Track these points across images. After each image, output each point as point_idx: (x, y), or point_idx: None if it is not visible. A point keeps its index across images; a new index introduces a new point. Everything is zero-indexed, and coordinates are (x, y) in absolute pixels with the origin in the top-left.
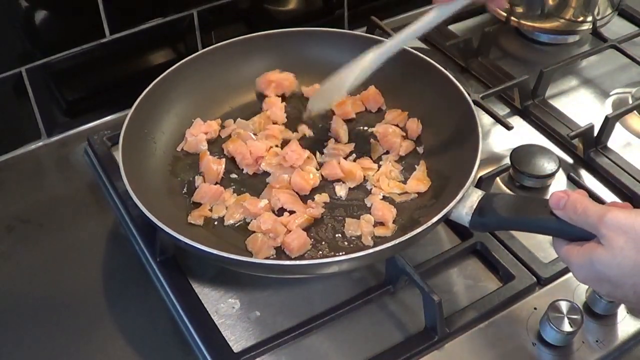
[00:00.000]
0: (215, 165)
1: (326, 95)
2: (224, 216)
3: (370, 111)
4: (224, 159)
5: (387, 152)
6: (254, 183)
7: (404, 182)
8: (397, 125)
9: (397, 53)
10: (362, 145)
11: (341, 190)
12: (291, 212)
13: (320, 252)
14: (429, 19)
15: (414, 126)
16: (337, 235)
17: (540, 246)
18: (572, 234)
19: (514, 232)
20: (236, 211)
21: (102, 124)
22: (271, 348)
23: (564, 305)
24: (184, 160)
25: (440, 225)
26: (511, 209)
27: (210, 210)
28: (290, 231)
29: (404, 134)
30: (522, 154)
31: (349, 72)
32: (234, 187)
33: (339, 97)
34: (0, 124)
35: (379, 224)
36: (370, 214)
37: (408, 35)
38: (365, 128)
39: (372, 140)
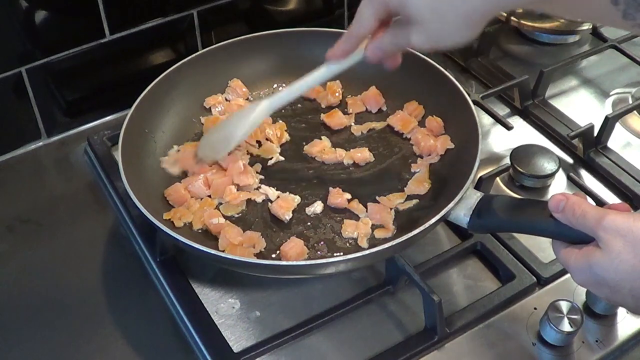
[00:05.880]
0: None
1: (215, 146)
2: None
3: (370, 112)
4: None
5: (421, 157)
6: None
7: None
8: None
9: None
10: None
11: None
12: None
13: (319, 253)
14: (318, 74)
15: (436, 124)
16: (335, 237)
17: (540, 246)
18: (571, 236)
19: (513, 233)
20: (200, 217)
21: (102, 124)
22: (271, 348)
23: (564, 305)
24: None
25: (440, 225)
26: (510, 211)
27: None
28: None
29: (428, 133)
30: (522, 154)
31: (239, 125)
32: None
33: (226, 151)
34: (0, 124)
35: (379, 226)
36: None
37: (295, 89)
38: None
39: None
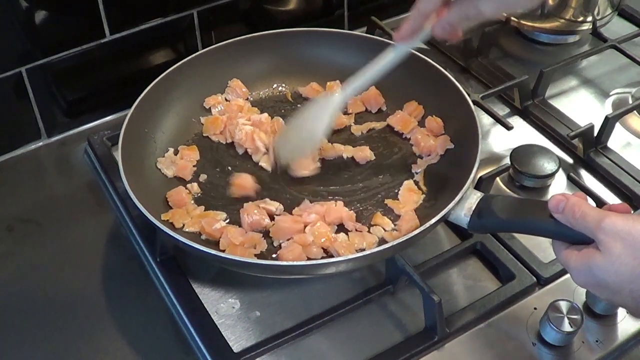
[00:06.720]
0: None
1: (298, 147)
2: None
3: (370, 112)
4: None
5: (421, 157)
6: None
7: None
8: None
9: None
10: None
11: None
12: None
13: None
14: (388, 58)
15: (436, 124)
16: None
17: (540, 246)
18: (571, 237)
19: (513, 233)
20: (196, 223)
21: (102, 124)
22: (271, 348)
23: (564, 305)
24: None
25: (440, 225)
26: (510, 211)
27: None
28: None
29: (428, 133)
30: (522, 154)
31: (318, 121)
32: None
33: (312, 150)
34: (0, 124)
35: (393, 230)
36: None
37: (367, 78)
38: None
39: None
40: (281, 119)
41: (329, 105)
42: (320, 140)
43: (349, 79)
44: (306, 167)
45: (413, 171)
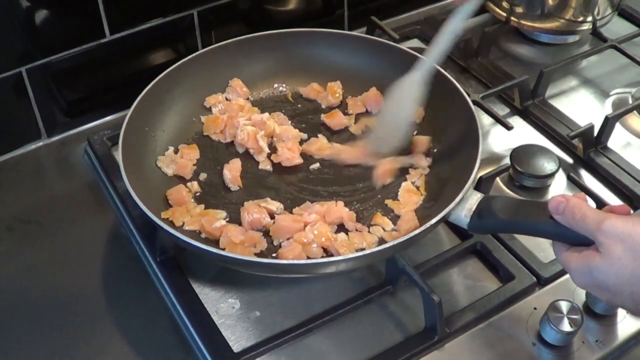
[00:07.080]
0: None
1: (388, 138)
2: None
3: (370, 112)
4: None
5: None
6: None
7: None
8: None
9: (396, 54)
10: None
11: None
12: None
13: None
14: (457, 22)
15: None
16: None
17: (540, 246)
18: (571, 238)
19: (514, 234)
20: (196, 221)
21: (102, 124)
22: (271, 348)
23: (564, 305)
24: None
25: (440, 226)
26: (510, 212)
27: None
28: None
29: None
30: (522, 154)
31: (404, 109)
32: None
33: (403, 136)
34: (0, 124)
35: (393, 230)
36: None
37: (440, 48)
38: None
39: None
40: (282, 114)
41: (410, 89)
42: (410, 127)
43: (427, 50)
44: (291, 158)
45: (409, 180)
